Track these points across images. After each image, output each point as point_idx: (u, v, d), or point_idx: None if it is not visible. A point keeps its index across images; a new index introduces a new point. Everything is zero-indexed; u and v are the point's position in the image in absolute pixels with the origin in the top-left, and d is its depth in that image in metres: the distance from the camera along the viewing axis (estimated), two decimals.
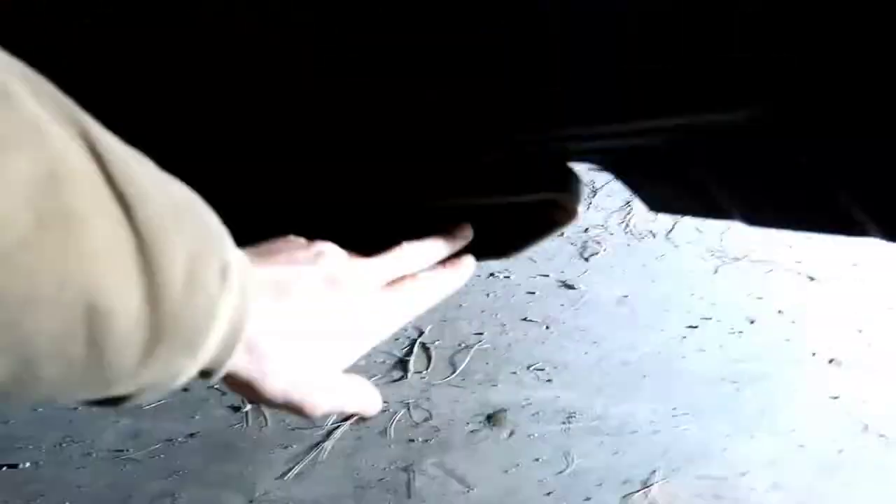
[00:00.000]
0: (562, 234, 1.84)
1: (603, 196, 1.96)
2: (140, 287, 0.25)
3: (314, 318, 0.38)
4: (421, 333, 1.51)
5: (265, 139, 0.52)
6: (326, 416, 0.45)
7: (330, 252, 0.40)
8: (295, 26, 0.45)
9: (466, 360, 1.42)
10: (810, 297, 1.56)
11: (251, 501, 1.12)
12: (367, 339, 0.41)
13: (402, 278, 0.44)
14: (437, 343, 1.48)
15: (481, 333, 1.50)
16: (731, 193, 0.66)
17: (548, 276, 1.67)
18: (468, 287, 1.72)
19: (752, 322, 1.50)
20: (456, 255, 0.51)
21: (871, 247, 1.75)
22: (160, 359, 0.27)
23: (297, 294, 0.37)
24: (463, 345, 1.47)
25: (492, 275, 1.66)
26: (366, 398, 0.42)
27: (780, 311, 1.52)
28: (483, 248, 0.65)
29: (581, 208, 0.64)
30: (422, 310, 0.44)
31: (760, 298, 1.56)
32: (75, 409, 1.34)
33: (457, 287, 0.46)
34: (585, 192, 1.86)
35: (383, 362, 1.43)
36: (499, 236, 0.66)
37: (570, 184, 0.65)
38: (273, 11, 0.45)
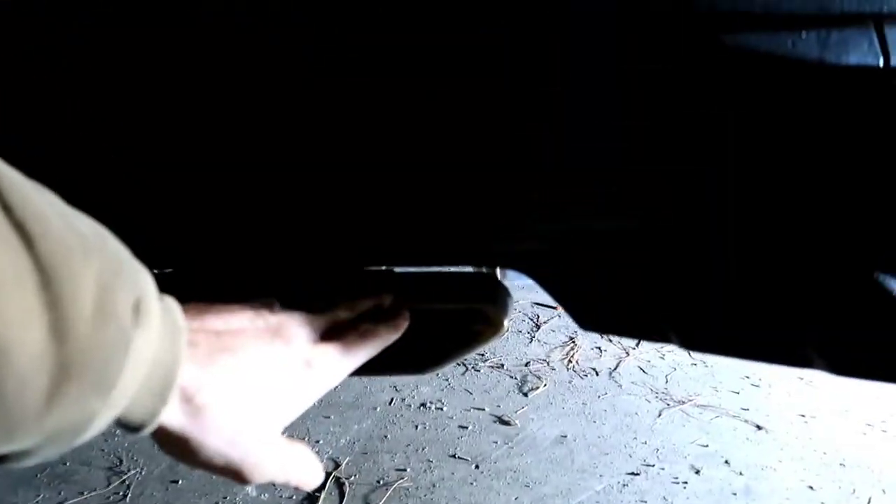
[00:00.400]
0: (502, 367, 1.76)
1: (546, 331, 1.90)
2: (43, 320, 0.24)
3: (257, 370, 0.37)
4: (337, 466, 1.36)
5: (264, 140, 0.51)
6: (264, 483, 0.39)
7: (271, 305, 0.41)
8: (295, 26, 0.45)
9: (383, 501, 1.27)
10: (758, 448, 1.47)
11: None
12: (309, 393, 0.40)
13: (342, 330, 0.44)
14: (353, 478, 1.32)
15: (404, 469, 1.35)
16: (663, 312, 0.60)
17: (483, 409, 1.56)
18: (395, 417, 1.60)
19: (697, 472, 1.39)
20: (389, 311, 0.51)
21: (819, 400, 1.69)
22: (69, 398, 0.25)
23: (240, 345, 0.37)
24: (382, 482, 1.32)
25: (423, 405, 1.55)
26: (307, 467, 0.40)
27: (726, 461, 1.42)
28: (402, 359, 0.58)
29: (507, 323, 0.59)
30: (361, 361, 0.44)
31: (706, 446, 1.47)
32: None
33: (392, 340, 0.47)
34: (528, 326, 1.81)
35: (290, 497, 1.27)
36: (420, 346, 0.59)
37: (498, 296, 0.60)
38: (273, 11, 0.45)
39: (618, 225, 0.56)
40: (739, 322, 0.56)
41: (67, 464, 1.34)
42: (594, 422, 1.54)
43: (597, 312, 0.64)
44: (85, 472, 1.31)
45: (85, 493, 1.26)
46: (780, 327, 0.55)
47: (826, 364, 0.54)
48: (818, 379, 1.72)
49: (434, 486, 1.32)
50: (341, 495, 1.28)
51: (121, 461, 1.34)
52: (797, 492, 1.33)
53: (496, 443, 1.45)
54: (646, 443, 1.48)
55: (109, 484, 1.29)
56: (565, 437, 1.48)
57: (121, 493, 1.26)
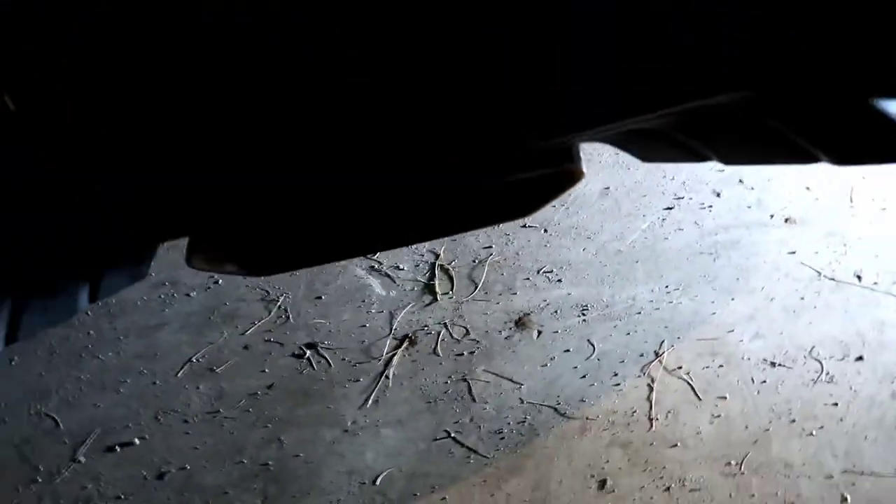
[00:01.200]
0: None
1: None
2: None
3: None
4: (437, 257, 1.69)
5: (264, 139, 0.52)
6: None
7: None
8: (295, 26, 0.45)
9: (484, 275, 1.62)
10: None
11: (346, 431, 1.34)
12: None
13: None
14: (453, 263, 1.66)
15: (490, 247, 1.69)
16: (708, 146, 0.87)
17: None
18: None
19: (718, 195, 1.72)
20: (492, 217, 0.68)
21: None
22: None
23: None
24: (476, 260, 1.66)
25: None
26: None
27: (740, 181, 1.75)
28: (511, 211, 0.85)
29: (584, 168, 0.83)
30: None
31: (722, 171, 1.78)
32: (154, 382, 1.51)
33: None
34: None
35: (412, 289, 1.62)
36: (523, 201, 0.85)
37: (576, 154, 0.84)
38: (273, 11, 0.44)
39: None
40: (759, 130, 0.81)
41: (227, 303, 1.66)
42: (629, 169, 1.83)
43: (652, 152, 0.92)
44: (245, 307, 1.64)
45: (257, 322, 1.60)
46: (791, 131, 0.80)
47: (831, 159, 0.82)
48: None
49: (518, 254, 1.66)
50: (450, 279, 1.63)
51: (268, 292, 1.66)
52: (797, 195, 1.69)
53: (554, 206, 1.76)
54: (673, 179, 1.79)
55: (270, 311, 1.62)
56: (608, 188, 1.79)
57: (284, 317, 1.61)
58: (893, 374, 1.24)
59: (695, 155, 0.93)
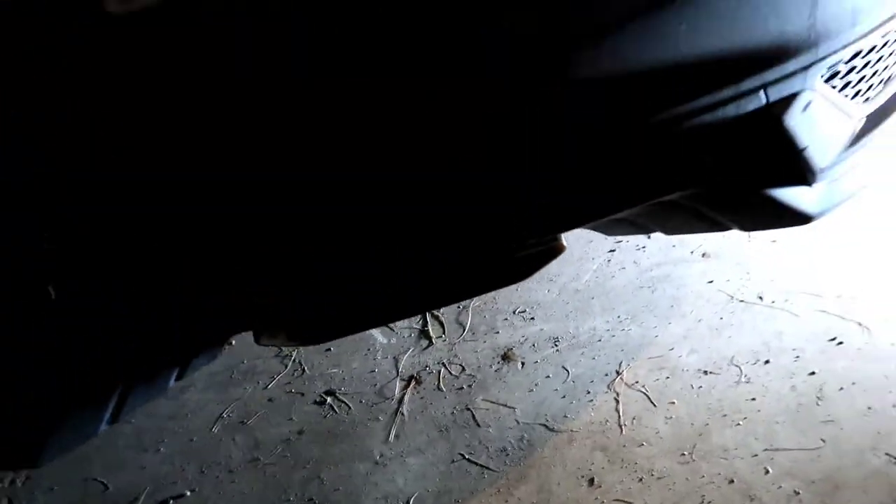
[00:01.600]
0: None
1: None
2: None
3: None
4: None
5: (264, 138, 0.52)
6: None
7: None
8: (294, 26, 0.45)
9: (469, 318, 1.92)
10: None
11: (376, 463, 1.60)
12: None
13: None
14: (442, 310, 1.96)
15: None
16: (658, 225, 1.25)
17: None
18: None
19: (648, 237, 2.12)
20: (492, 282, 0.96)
21: None
22: None
23: None
24: (460, 306, 1.96)
25: None
26: None
27: None
28: (512, 279, 1.18)
29: (565, 243, 1.17)
30: None
31: None
32: (192, 439, 1.70)
33: None
34: None
35: (409, 336, 1.89)
36: (521, 271, 1.18)
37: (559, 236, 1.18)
38: (273, 11, 0.45)
39: None
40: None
41: (245, 361, 1.87)
42: None
43: (614, 230, 1.32)
44: (262, 363, 1.86)
45: (276, 377, 1.82)
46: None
47: (738, 226, 1.23)
48: None
49: (494, 298, 1.97)
50: (441, 324, 1.92)
51: (281, 349, 1.89)
52: (710, 234, 2.11)
53: None
54: None
55: (286, 365, 1.85)
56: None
57: (300, 370, 1.84)
58: (791, 372, 1.64)
59: (646, 230, 1.30)
